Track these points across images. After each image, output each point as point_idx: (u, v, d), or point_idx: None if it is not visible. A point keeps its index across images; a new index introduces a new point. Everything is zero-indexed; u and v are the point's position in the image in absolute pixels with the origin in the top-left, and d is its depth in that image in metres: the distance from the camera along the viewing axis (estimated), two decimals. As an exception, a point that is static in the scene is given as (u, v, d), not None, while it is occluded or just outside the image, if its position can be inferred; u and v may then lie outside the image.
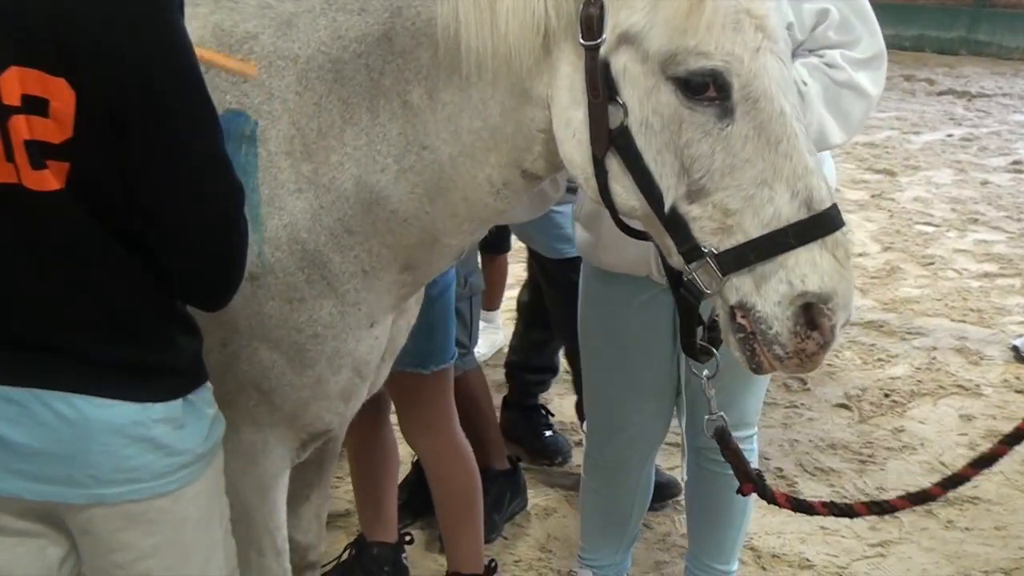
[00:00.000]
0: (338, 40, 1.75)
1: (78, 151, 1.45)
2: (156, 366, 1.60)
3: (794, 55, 2.22)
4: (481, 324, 3.88)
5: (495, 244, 4.18)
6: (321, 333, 1.84)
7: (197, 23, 1.78)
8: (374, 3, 1.74)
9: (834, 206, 1.61)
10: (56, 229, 1.49)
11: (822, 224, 1.59)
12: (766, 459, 3.92)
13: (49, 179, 1.45)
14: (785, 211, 1.58)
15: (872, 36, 2.34)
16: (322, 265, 1.81)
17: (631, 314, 2.59)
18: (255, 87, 1.78)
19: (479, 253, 3.37)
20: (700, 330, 1.82)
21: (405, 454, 3.29)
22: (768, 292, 1.60)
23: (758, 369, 1.68)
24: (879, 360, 4.82)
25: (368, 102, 1.75)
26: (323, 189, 1.78)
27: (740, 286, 1.62)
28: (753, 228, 1.59)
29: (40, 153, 1.44)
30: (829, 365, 4.67)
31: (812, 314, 1.60)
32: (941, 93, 11.13)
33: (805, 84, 2.26)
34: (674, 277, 1.78)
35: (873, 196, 7.47)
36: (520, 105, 1.71)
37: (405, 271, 1.90)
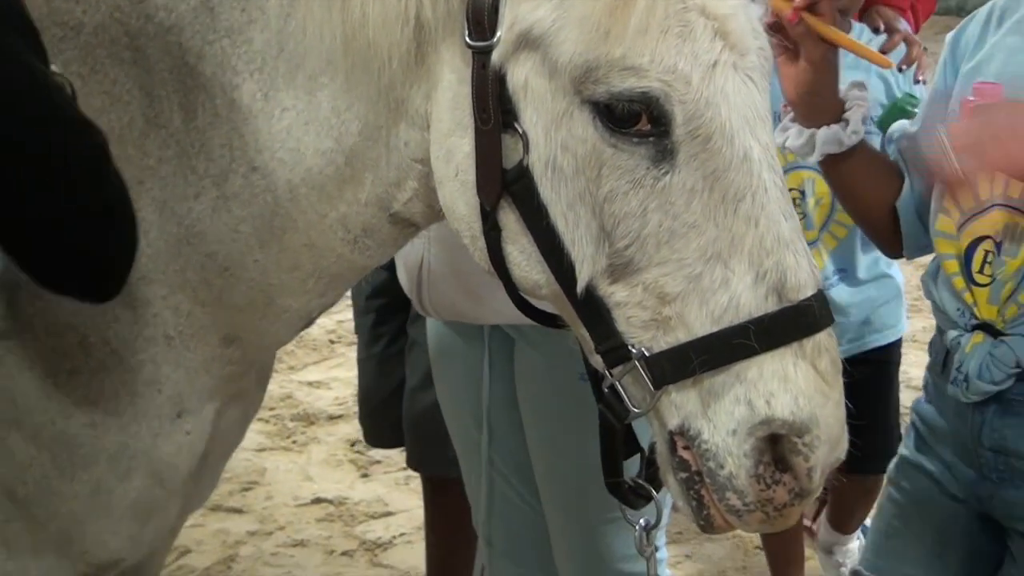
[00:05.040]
0: (139, 5, 1.38)
1: None
2: None
3: None
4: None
5: None
6: (100, 421, 1.45)
7: None
8: None
9: (818, 295, 1.26)
10: None
11: (799, 321, 1.24)
12: None
13: None
14: (746, 299, 1.23)
15: None
16: (105, 324, 1.43)
17: (443, 365, 2.22)
18: None
19: None
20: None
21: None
22: (720, 416, 1.24)
23: (708, 526, 1.32)
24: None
25: (181, 96, 1.39)
26: None
27: (681, 404, 1.27)
28: (700, 322, 1.24)
29: None
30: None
31: (782, 450, 1.25)
32: None
33: None
34: (596, 384, 1.40)
35: None
36: (390, 123, 1.39)
37: (229, 343, 1.51)
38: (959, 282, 1.76)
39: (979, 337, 1.73)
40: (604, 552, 2.01)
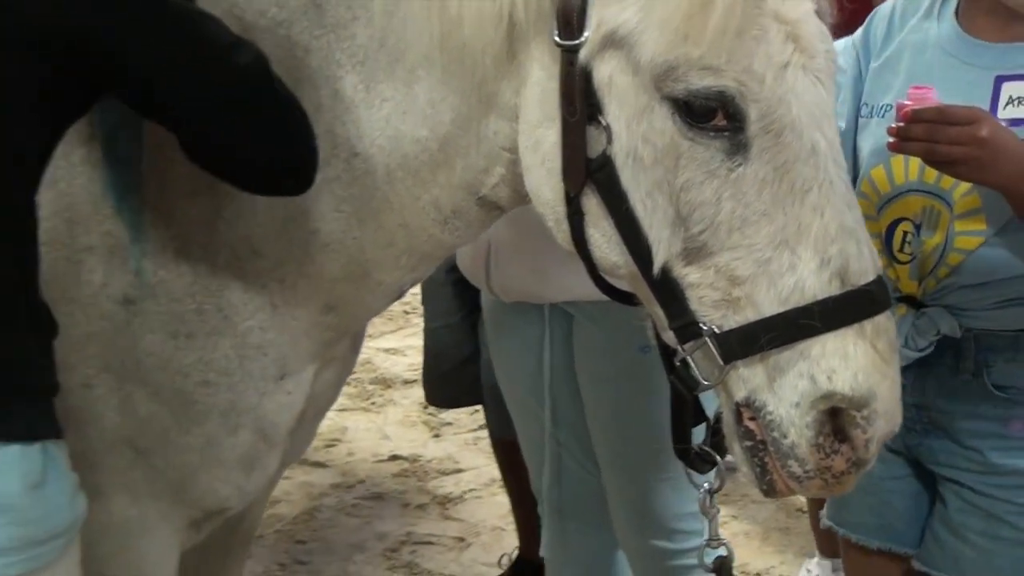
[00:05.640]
0: (252, 1, 1.45)
1: None
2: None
3: None
4: None
5: None
6: (213, 381, 1.54)
7: None
8: None
9: (878, 280, 1.33)
10: None
11: (860, 304, 1.30)
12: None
13: None
14: (811, 283, 1.29)
15: None
16: (218, 293, 1.51)
17: (502, 341, 2.27)
18: None
19: None
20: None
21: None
22: (784, 389, 1.30)
23: (770, 491, 1.38)
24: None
25: (289, 86, 1.45)
26: (225, 196, 1.48)
27: (749, 378, 1.33)
28: (767, 303, 1.30)
29: None
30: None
31: (841, 422, 1.30)
32: None
33: None
34: (667, 357, 1.46)
35: None
36: (481, 114, 1.44)
37: (328, 311, 1.59)
38: (881, 260, 1.83)
39: (902, 309, 1.81)
40: (659, 510, 2.10)
